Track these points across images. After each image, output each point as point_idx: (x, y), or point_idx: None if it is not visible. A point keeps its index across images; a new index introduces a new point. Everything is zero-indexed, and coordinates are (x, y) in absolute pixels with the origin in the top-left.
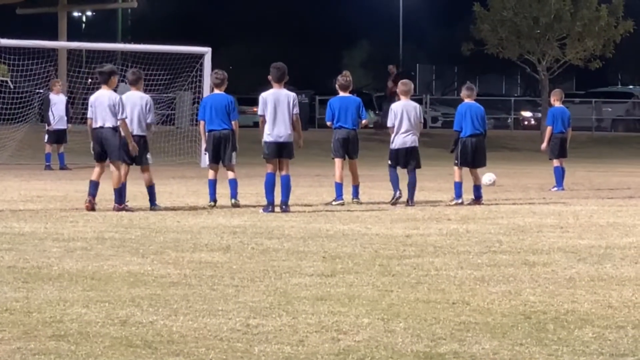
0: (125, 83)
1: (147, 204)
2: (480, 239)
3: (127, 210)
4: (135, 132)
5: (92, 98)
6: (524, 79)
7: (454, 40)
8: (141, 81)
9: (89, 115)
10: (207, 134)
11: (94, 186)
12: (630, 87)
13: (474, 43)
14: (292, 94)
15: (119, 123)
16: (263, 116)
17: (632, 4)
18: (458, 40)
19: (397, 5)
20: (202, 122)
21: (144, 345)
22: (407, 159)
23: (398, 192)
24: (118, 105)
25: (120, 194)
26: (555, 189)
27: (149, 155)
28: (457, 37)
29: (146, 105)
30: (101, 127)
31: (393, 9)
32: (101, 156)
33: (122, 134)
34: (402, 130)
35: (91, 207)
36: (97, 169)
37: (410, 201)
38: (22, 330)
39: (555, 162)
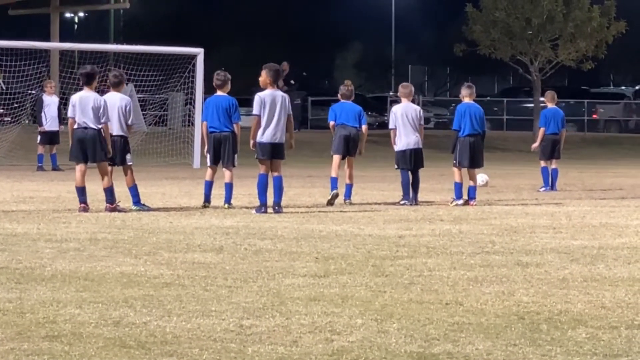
0: (126, 84)
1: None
2: (473, 240)
3: (119, 210)
4: (115, 133)
5: (75, 98)
6: (516, 79)
7: (446, 41)
8: (122, 84)
9: (69, 114)
10: (209, 133)
11: (82, 192)
12: (622, 87)
13: (467, 44)
14: (285, 95)
15: (102, 127)
16: (258, 116)
17: (624, 5)
18: (450, 41)
19: (389, 6)
20: (204, 123)
21: (138, 346)
22: (412, 160)
23: (408, 201)
24: (103, 109)
25: (111, 193)
26: (543, 189)
27: (129, 156)
28: (449, 38)
29: (126, 106)
30: (85, 128)
31: (385, 10)
32: (82, 157)
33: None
34: (404, 132)
35: (85, 210)
36: (78, 173)
37: (414, 200)
38: (15, 331)
39: (543, 163)
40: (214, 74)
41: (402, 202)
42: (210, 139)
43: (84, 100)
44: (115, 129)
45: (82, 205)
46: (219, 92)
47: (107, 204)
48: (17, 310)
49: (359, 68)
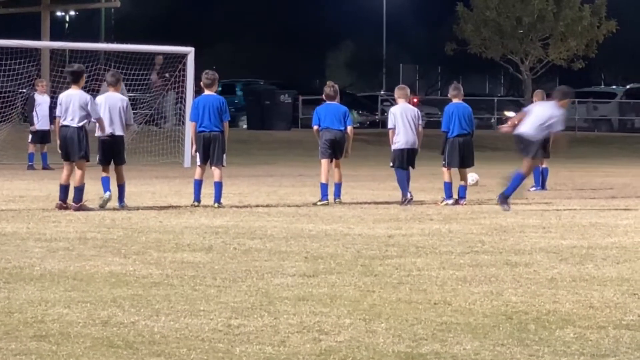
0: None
1: (136, 205)
2: (462, 239)
3: (84, 209)
4: (117, 133)
5: (62, 96)
6: (507, 79)
7: (437, 40)
8: (120, 83)
9: (57, 113)
10: (198, 133)
11: (64, 190)
12: (613, 87)
13: (457, 43)
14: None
15: (94, 121)
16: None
17: (615, 4)
18: (441, 40)
19: (381, 5)
20: (193, 124)
21: (125, 346)
22: (409, 159)
23: (409, 195)
24: (91, 105)
25: (80, 192)
26: (534, 188)
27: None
28: (440, 37)
29: (126, 106)
30: (67, 127)
31: (376, 9)
32: (65, 155)
33: (100, 133)
34: (404, 131)
35: (62, 209)
36: (65, 171)
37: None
38: (3, 330)
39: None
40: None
41: (403, 199)
42: (200, 139)
43: (67, 98)
44: (116, 129)
45: (59, 203)
46: (207, 92)
47: (74, 203)
48: (5, 310)
49: (350, 67)
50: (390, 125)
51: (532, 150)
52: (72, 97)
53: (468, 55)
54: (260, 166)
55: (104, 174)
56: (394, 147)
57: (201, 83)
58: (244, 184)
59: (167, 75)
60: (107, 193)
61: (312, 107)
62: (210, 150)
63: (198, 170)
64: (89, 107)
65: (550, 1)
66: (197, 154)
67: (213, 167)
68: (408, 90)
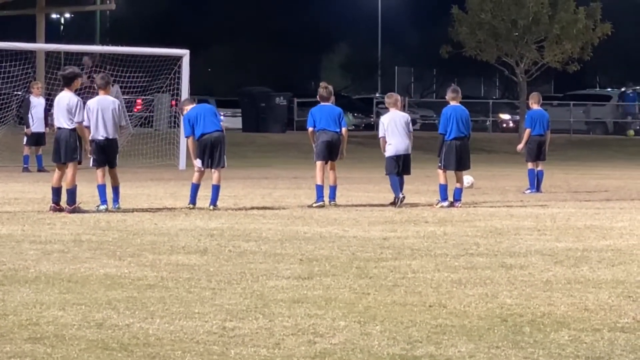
0: (112, 85)
1: (131, 207)
2: (457, 242)
3: (78, 211)
4: (110, 136)
5: (55, 100)
6: (502, 81)
7: (432, 43)
8: (110, 85)
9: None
10: (200, 138)
11: (56, 192)
12: (609, 89)
13: (453, 45)
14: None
15: (75, 125)
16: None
17: (610, 7)
18: (437, 43)
19: (376, 8)
20: (191, 138)
21: (120, 348)
22: (402, 165)
23: (401, 195)
24: (75, 108)
25: (72, 194)
26: (529, 191)
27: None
28: (435, 40)
29: (118, 108)
30: (60, 128)
31: (372, 11)
32: (56, 157)
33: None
34: (394, 138)
35: (56, 211)
36: (56, 173)
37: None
38: None
39: (530, 165)
40: (198, 77)
41: (396, 199)
42: (206, 143)
43: (57, 101)
44: (110, 132)
45: (53, 205)
46: (194, 104)
47: (67, 205)
48: None
49: (345, 69)
50: (380, 134)
51: None
52: (61, 99)
53: (463, 57)
54: (255, 168)
55: (100, 181)
56: (386, 154)
57: (186, 107)
58: (239, 186)
59: (95, 76)
60: (103, 207)
61: (307, 109)
62: (214, 152)
63: (197, 175)
64: (73, 110)
65: (545, 4)
66: (200, 159)
67: (214, 170)
68: (398, 97)
